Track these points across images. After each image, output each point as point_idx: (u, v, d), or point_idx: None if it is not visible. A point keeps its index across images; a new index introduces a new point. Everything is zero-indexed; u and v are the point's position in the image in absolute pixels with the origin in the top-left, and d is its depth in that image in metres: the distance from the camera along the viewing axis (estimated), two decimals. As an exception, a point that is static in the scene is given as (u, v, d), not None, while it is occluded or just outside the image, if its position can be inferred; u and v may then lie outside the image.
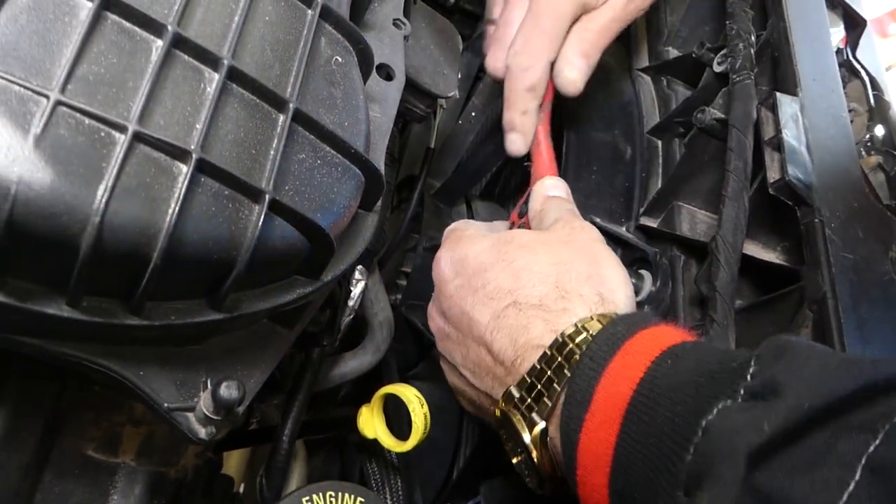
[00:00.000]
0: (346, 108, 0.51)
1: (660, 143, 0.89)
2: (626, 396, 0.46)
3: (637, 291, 0.81)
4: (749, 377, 0.41)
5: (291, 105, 0.46)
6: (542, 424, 0.52)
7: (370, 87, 0.57)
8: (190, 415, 0.48)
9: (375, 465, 0.82)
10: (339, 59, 0.51)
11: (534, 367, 0.54)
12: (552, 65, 0.79)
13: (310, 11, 0.50)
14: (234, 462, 1.13)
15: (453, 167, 1.10)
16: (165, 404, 0.47)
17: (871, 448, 0.34)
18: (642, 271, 0.83)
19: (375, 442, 0.73)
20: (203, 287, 0.45)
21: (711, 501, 0.37)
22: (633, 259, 0.83)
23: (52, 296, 0.41)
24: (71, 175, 0.38)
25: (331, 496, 0.53)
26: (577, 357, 0.50)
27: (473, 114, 1.13)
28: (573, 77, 0.78)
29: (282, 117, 0.46)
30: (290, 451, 0.64)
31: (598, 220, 0.87)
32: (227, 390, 0.46)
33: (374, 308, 0.88)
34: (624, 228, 0.86)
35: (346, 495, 0.53)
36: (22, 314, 0.40)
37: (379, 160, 0.55)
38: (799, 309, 0.64)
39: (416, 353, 1.05)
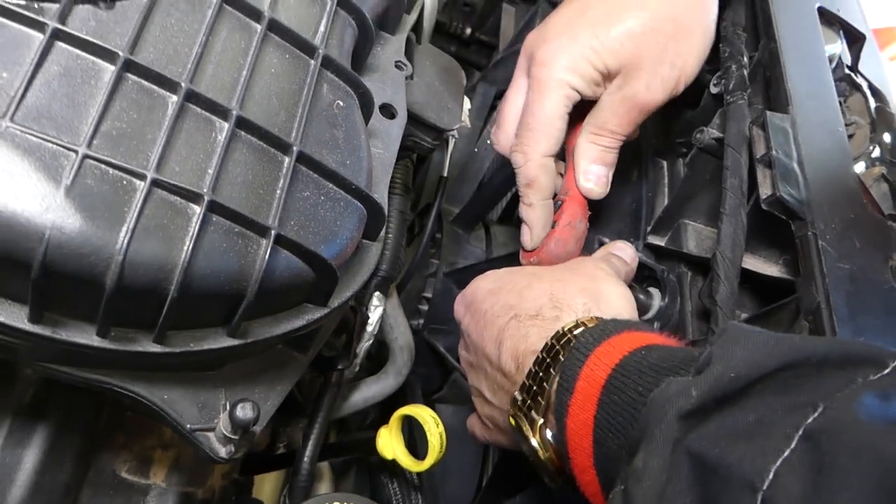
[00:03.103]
0: (348, 147, 0.55)
1: (665, 163, 0.92)
2: (602, 379, 0.49)
3: (646, 308, 0.84)
4: (699, 359, 0.44)
5: (295, 148, 0.50)
6: (540, 420, 0.55)
7: (374, 126, 0.62)
8: (211, 435, 0.52)
9: (397, 485, 0.85)
10: (341, 103, 0.56)
11: (530, 370, 0.58)
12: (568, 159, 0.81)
13: (312, 62, 0.55)
14: (267, 488, 1.16)
15: (470, 193, 1.14)
16: (188, 425, 0.51)
17: (810, 419, 0.36)
18: (651, 289, 0.85)
19: (396, 462, 0.76)
20: (218, 316, 0.49)
21: (646, 460, 0.40)
22: (642, 277, 0.86)
23: (84, 327, 0.46)
24: (97, 219, 0.42)
25: (337, 505, 0.56)
26: (562, 356, 0.54)
27: (489, 141, 1.17)
28: (590, 187, 0.80)
29: (286, 159, 0.51)
30: (312, 470, 0.68)
31: (606, 240, 0.90)
32: (243, 411, 0.50)
33: (394, 333, 0.92)
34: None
35: (354, 506, 0.57)
36: (57, 344, 0.45)
37: (382, 193, 0.59)
38: (796, 320, 0.65)
39: (440, 377, 1.09)
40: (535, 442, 0.57)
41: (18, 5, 0.44)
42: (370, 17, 0.61)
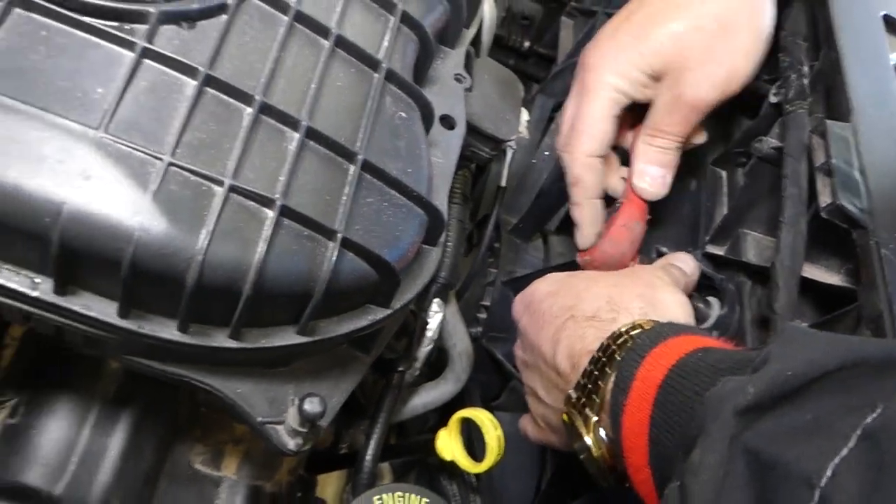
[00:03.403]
0: (410, 156, 0.58)
1: (724, 172, 0.92)
2: (658, 380, 0.50)
3: (705, 318, 0.84)
4: (756, 360, 0.44)
5: (360, 156, 0.53)
6: (594, 418, 0.57)
7: (433, 136, 0.64)
8: (280, 427, 0.55)
9: (455, 487, 0.87)
10: (403, 115, 0.59)
11: (586, 369, 0.59)
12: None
13: (376, 75, 0.58)
14: (330, 491, 1.20)
15: (528, 204, 1.16)
16: (259, 418, 0.55)
17: (869, 419, 0.36)
18: (710, 298, 0.85)
19: (454, 464, 0.78)
20: (288, 315, 0.52)
21: (702, 456, 0.41)
22: (701, 286, 0.86)
23: (166, 323, 0.49)
24: (179, 222, 0.46)
25: (399, 496, 0.58)
26: (619, 356, 0.55)
27: (546, 152, 1.19)
28: (644, 187, 0.83)
29: (352, 167, 0.54)
30: (373, 469, 0.70)
31: (665, 249, 0.90)
32: (311, 405, 0.53)
33: (453, 339, 0.94)
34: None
35: (413, 496, 0.59)
36: (142, 338, 0.49)
37: (442, 201, 0.61)
38: (857, 328, 0.65)
39: (498, 384, 1.10)
40: (588, 440, 0.58)
41: (112, 27, 0.49)
42: (431, 33, 0.64)
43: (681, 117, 0.79)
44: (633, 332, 0.57)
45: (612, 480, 0.58)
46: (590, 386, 0.58)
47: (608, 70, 0.78)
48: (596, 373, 0.58)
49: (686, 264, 0.80)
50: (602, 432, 0.56)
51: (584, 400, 0.58)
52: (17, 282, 0.47)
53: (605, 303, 0.65)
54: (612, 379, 0.55)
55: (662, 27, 0.77)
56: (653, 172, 0.82)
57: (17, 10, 0.47)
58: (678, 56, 0.77)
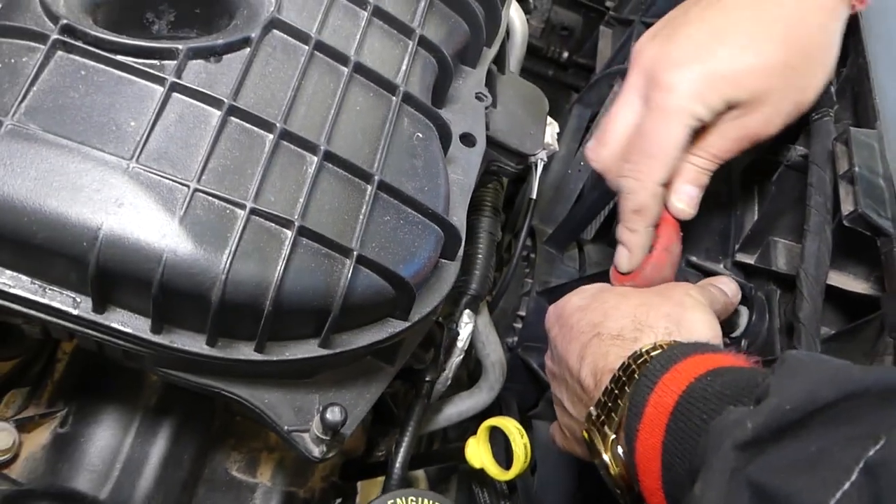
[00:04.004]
0: (426, 175, 0.60)
1: (754, 181, 0.91)
2: (670, 406, 0.51)
3: (734, 326, 0.84)
4: (759, 388, 0.45)
5: (376, 177, 0.56)
6: (612, 436, 0.58)
7: (454, 154, 0.66)
8: (305, 435, 0.58)
9: (486, 495, 0.88)
10: (420, 135, 0.61)
11: (607, 387, 0.60)
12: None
13: (394, 98, 0.61)
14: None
15: (564, 214, 1.17)
16: (286, 427, 0.58)
17: (871, 452, 0.37)
18: (739, 306, 0.85)
19: (483, 471, 0.80)
20: (310, 328, 0.55)
21: (703, 489, 0.41)
22: (730, 295, 0.86)
23: (196, 337, 0.53)
24: (204, 244, 0.49)
25: (411, 500, 0.61)
26: (637, 376, 0.56)
27: (582, 163, 1.20)
28: (681, 207, 0.77)
29: (369, 188, 0.56)
30: (403, 475, 0.73)
31: (694, 258, 0.90)
32: (332, 414, 0.55)
33: (486, 349, 0.96)
34: (721, 266, 0.89)
35: (427, 500, 0.61)
36: (174, 352, 0.52)
37: (460, 216, 0.64)
38: (880, 336, 0.64)
39: (535, 393, 1.11)
40: (606, 457, 0.59)
41: (144, 64, 0.53)
42: (449, 54, 0.66)
43: (737, 145, 0.75)
44: (653, 353, 0.58)
45: (630, 500, 0.59)
46: (609, 404, 0.59)
47: (689, 93, 0.71)
48: (616, 391, 0.59)
49: (727, 286, 0.78)
50: (620, 450, 0.57)
51: (603, 418, 0.59)
52: (60, 301, 0.51)
53: (630, 321, 0.66)
54: (628, 401, 0.56)
55: (757, 57, 0.71)
56: (691, 192, 0.77)
57: (60, 53, 0.52)
58: (763, 90, 0.71)
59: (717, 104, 0.71)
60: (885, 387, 0.39)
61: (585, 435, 0.63)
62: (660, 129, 0.73)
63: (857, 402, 0.39)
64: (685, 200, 0.77)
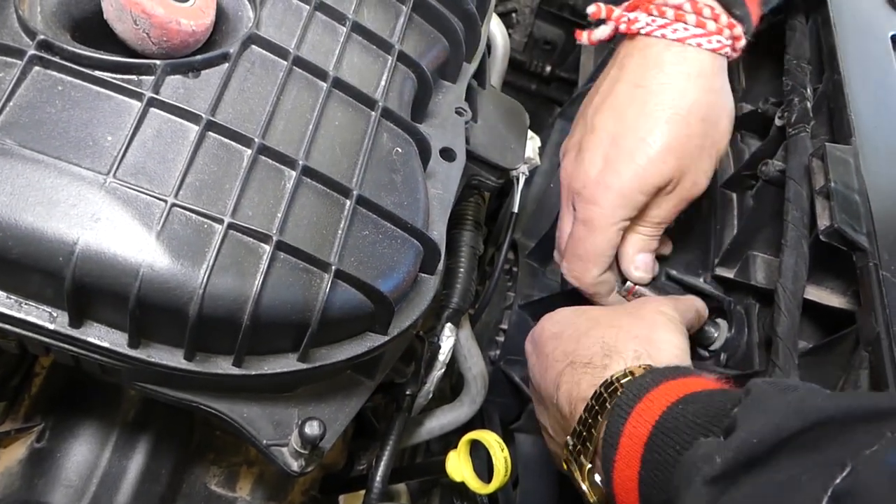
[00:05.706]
0: (406, 190, 0.60)
1: (734, 195, 0.92)
2: (644, 437, 0.51)
3: (712, 340, 0.85)
4: (729, 417, 0.45)
5: (355, 192, 0.56)
6: (588, 465, 0.58)
7: (433, 168, 0.67)
8: (284, 450, 0.58)
9: (468, 508, 0.88)
10: (399, 150, 0.62)
11: (580, 417, 0.60)
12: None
13: (373, 113, 0.61)
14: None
15: (547, 228, 1.18)
16: (265, 441, 0.58)
17: (838, 480, 0.37)
18: (718, 320, 0.86)
19: (465, 484, 0.80)
20: (288, 343, 0.55)
21: None
22: (710, 308, 0.86)
23: (173, 352, 0.53)
24: (182, 258, 0.49)
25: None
26: (609, 405, 0.56)
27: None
28: (640, 276, 0.84)
29: (348, 202, 0.56)
30: (383, 489, 0.73)
31: (674, 272, 0.91)
32: (311, 428, 0.55)
33: (468, 363, 0.96)
34: (701, 279, 0.90)
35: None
36: (151, 366, 0.52)
37: (440, 231, 0.64)
38: (855, 351, 0.65)
39: (517, 407, 1.11)
40: (584, 486, 0.59)
41: (121, 79, 0.53)
42: (429, 70, 0.67)
43: (675, 210, 0.82)
44: (622, 381, 0.58)
45: None
46: (584, 433, 0.60)
47: (614, 205, 0.77)
48: (590, 420, 0.59)
49: (698, 301, 0.81)
50: (598, 478, 0.57)
51: (579, 447, 0.60)
52: (36, 315, 0.51)
53: (600, 348, 0.66)
54: (603, 431, 0.56)
55: (659, 147, 0.76)
56: (646, 259, 0.84)
57: (37, 68, 0.52)
58: (679, 167, 0.77)
59: (640, 201, 0.78)
60: (847, 413, 0.40)
61: (564, 466, 0.64)
62: (587, 237, 0.80)
63: (821, 430, 0.40)
64: (642, 268, 0.85)
